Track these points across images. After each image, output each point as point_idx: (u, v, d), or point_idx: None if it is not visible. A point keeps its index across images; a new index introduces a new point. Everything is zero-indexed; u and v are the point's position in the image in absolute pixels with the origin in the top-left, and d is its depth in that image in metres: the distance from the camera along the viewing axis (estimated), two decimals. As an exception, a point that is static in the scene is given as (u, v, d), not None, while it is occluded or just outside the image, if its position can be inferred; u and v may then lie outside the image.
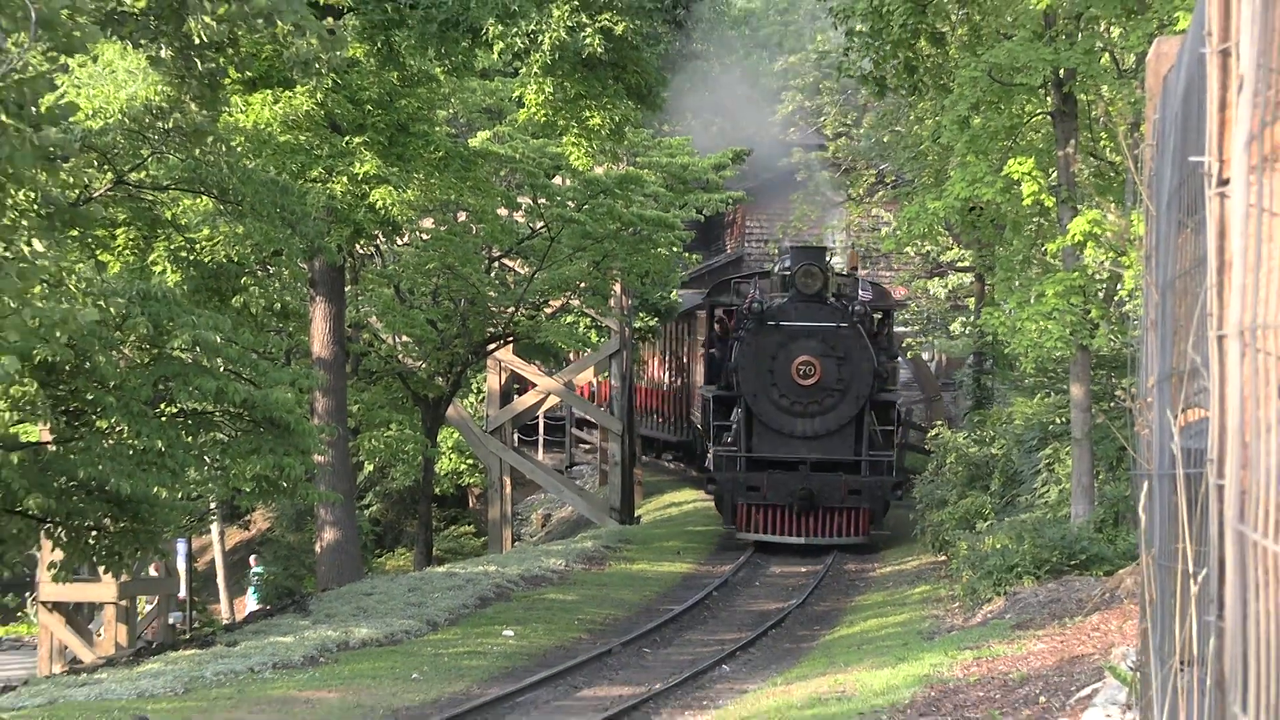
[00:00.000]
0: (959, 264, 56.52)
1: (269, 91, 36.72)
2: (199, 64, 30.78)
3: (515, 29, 40.49)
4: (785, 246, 49.13)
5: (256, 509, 49.78)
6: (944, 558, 35.17)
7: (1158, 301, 5.48)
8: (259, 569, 49.30)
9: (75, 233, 30.65)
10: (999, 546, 30.54)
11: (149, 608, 47.99)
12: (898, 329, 51.73)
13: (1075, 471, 31.29)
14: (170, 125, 30.86)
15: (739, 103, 78.73)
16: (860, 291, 42.46)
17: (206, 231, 33.88)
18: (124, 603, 45.43)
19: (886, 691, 21.19)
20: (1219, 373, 2.95)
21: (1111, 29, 28.68)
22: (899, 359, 51.80)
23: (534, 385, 58.55)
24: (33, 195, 28.15)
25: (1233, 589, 2.76)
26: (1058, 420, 35.44)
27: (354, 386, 45.35)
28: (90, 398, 30.48)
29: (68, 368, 29.23)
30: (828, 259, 44.51)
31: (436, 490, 55.09)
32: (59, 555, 34.37)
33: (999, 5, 31.43)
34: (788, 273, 42.13)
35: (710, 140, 75.56)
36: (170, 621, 44.59)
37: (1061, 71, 29.37)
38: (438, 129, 40.25)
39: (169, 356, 31.10)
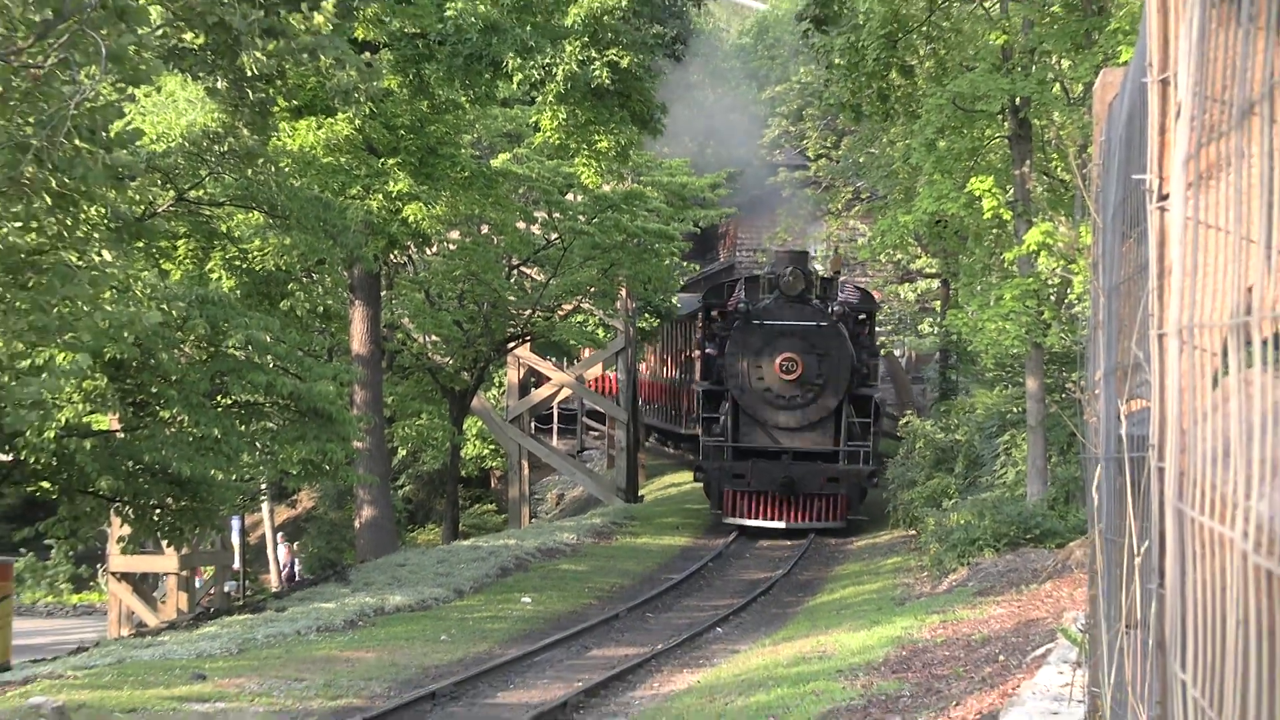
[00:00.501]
0: (926, 271, 56.57)
1: (313, 118, 36.73)
2: (251, 94, 30.78)
3: (532, 62, 40.53)
4: (772, 251, 48.23)
5: (302, 489, 49.80)
6: (914, 532, 35.13)
7: (1104, 304, 5.47)
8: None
9: (141, 244, 30.71)
10: (962, 522, 30.58)
11: (207, 577, 48.02)
12: (872, 329, 51.71)
13: (1030, 455, 31.32)
14: (225, 148, 30.94)
15: (731, 127, 78.79)
16: (840, 293, 42.01)
17: (257, 243, 33.93)
18: (184, 573, 45.56)
19: (862, 651, 21.18)
20: (1160, 367, 2.93)
21: (1062, 61, 28.68)
22: (880, 356, 51.56)
23: (549, 379, 58.61)
24: (103, 211, 28.22)
25: (1172, 560, 2.74)
26: (1014, 410, 35.43)
27: (389, 380, 45.36)
28: (154, 391, 30.64)
29: (134, 364, 29.35)
30: (810, 263, 43.84)
31: (462, 473, 55.09)
32: (127, 530, 34.65)
33: (962, 41, 31.44)
34: (773, 276, 41.56)
35: (705, 161, 75.58)
36: (225, 589, 44.61)
37: (1018, 99, 29.39)
38: (463, 151, 40.25)
39: (224, 354, 31.21)
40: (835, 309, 40.55)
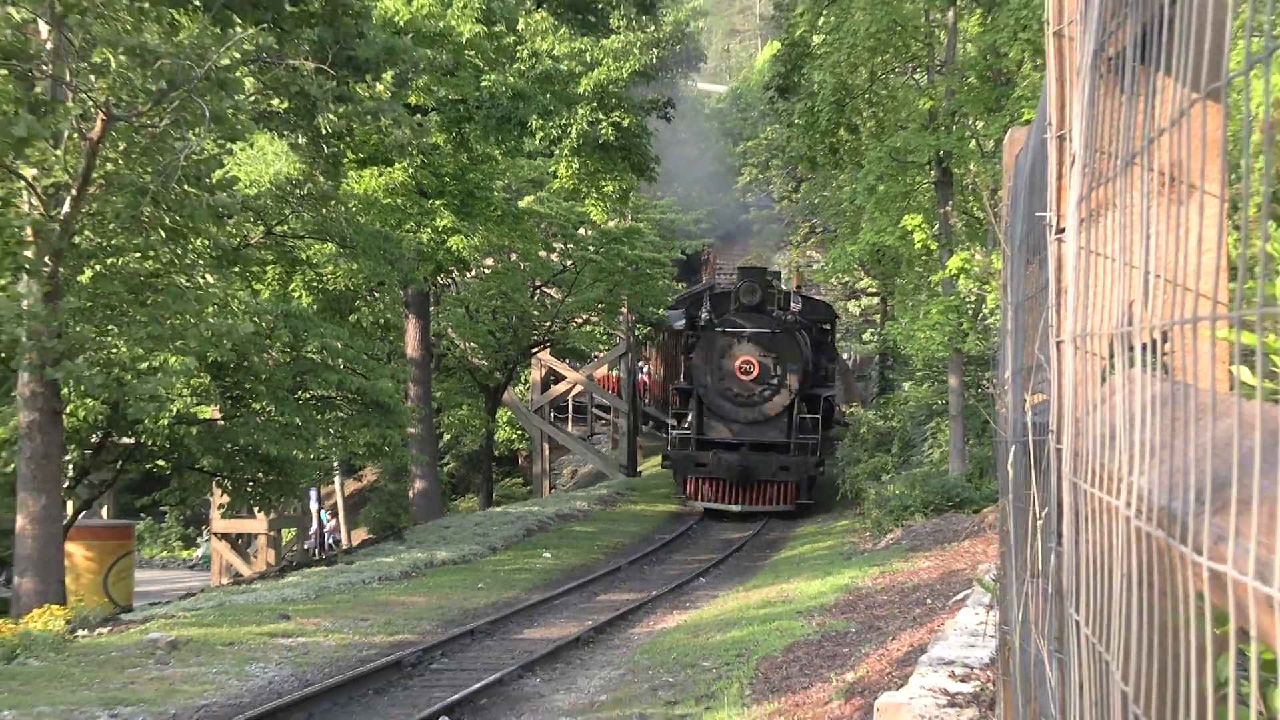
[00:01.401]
0: (868, 290, 56.81)
1: (375, 168, 36.74)
2: (325, 148, 30.78)
3: (551, 123, 40.63)
4: (737, 269, 47.57)
5: (366, 466, 49.67)
6: (859, 501, 35.06)
7: (1012, 316, 5.46)
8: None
9: (237, 269, 30.72)
10: (897, 492, 30.59)
11: (290, 537, 48.02)
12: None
13: (952, 439, 31.30)
14: (304, 192, 30.98)
15: (711, 174, 79.00)
16: (792, 304, 40.71)
17: (331, 268, 33.95)
18: (272, 533, 45.61)
19: (817, 596, 21.21)
20: (1057, 368, 2.92)
21: (977, 122, 28.66)
22: (838, 359, 51.03)
23: (565, 377, 58.64)
24: (207, 242, 28.24)
25: (1068, 524, 2.73)
26: (939, 402, 35.41)
27: (436, 379, 45.31)
28: (248, 387, 30.78)
29: (232, 365, 29.44)
30: (769, 278, 42.14)
31: (495, 452, 55.08)
32: (225, 499, 34.79)
33: (896, 105, 31.40)
34: (735, 289, 40.28)
35: (690, 201, 75.84)
36: (305, 547, 44.58)
37: (942, 153, 29.38)
38: (496, 194, 40.21)
39: (304, 357, 31.30)
40: (789, 318, 39.33)
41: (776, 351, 37.51)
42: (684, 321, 46.94)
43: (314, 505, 45.89)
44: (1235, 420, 1.54)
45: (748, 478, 36.43)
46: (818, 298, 49.61)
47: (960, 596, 14.88)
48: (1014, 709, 5.40)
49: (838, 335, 52.15)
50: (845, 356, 61.05)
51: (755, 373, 37.24)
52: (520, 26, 40.83)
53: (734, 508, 36.28)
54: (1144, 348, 2.13)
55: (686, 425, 38.42)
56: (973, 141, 28.82)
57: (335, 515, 51.05)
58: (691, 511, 38.50)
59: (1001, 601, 6.75)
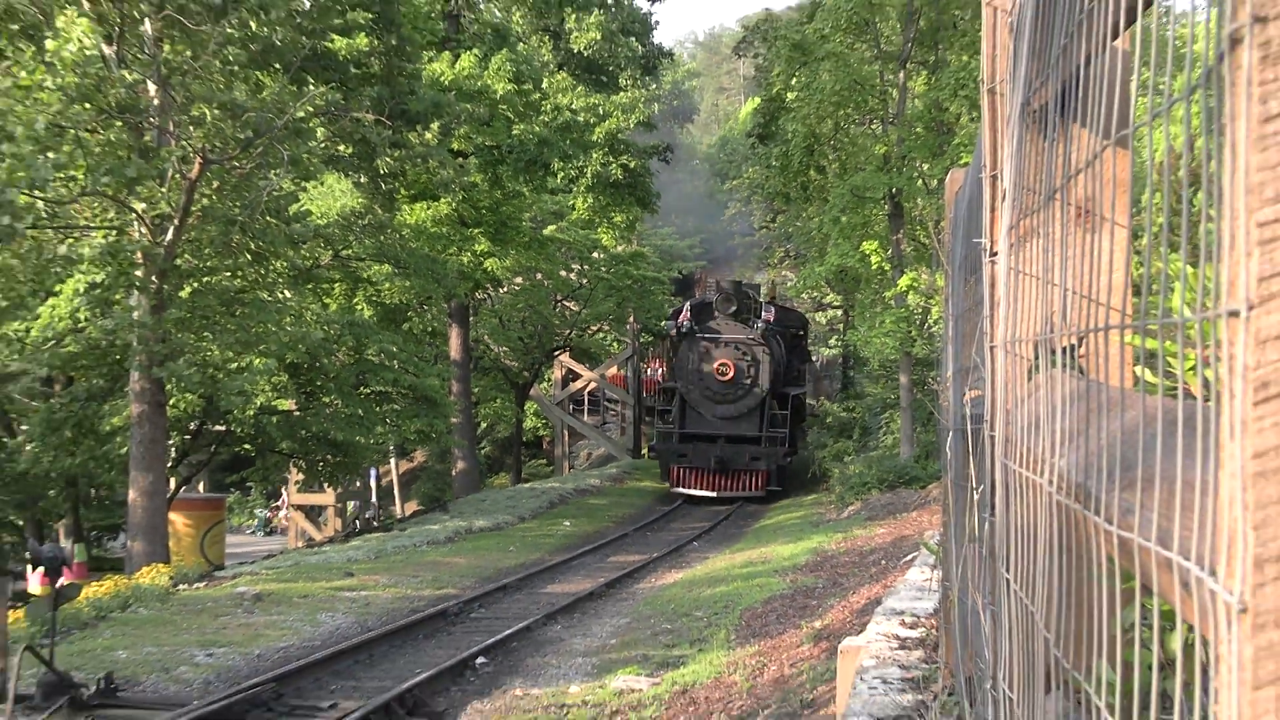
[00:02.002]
0: (833, 304, 56.73)
1: (424, 202, 36.73)
2: (382, 185, 30.80)
3: (570, 165, 40.68)
4: (716, 283, 46.74)
5: (417, 450, 49.59)
6: (826, 479, 34.98)
7: (952, 325, 5.45)
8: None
9: (310, 286, 30.70)
10: (857, 471, 30.57)
11: (354, 507, 47.97)
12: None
13: (903, 427, 31.26)
14: (365, 222, 30.94)
15: (703, 208, 79.09)
16: (764, 313, 38.87)
17: (387, 285, 33.93)
18: (338, 505, 45.56)
19: (791, 557, 21.17)
20: (991, 368, 2.91)
21: (923, 164, 28.64)
22: (810, 362, 50.32)
23: (581, 376, 58.61)
24: (285, 264, 28.23)
25: (1000, 497, 2.72)
26: (892, 396, 35.32)
27: (474, 377, 45.31)
28: (319, 384, 30.79)
29: (305, 366, 29.44)
30: (745, 290, 41.06)
31: (523, 438, 55.00)
32: (301, 476, 34.65)
33: (856, 150, 31.39)
34: (714, 299, 39.15)
35: (685, 229, 75.94)
36: (366, 516, 44.52)
37: (894, 190, 29.40)
38: (524, 223, 40.14)
39: (365, 359, 31.30)
40: (762, 325, 37.73)
41: (750, 355, 36.34)
42: (673, 329, 46.42)
43: (372, 482, 45.79)
44: (1139, 412, 1.53)
45: (724, 467, 35.29)
46: (792, 307, 48.58)
47: (909, 558, 14.85)
48: (954, 651, 5.39)
49: (809, 340, 51.28)
50: (814, 359, 60.95)
51: (731, 374, 36.03)
52: (545, 85, 40.84)
53: (710, 494, 35.06)
54: (1062, 351, 2.12)
55: (671, 420, 37.16)
56: (920, 180, 28.82)
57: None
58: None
59: (944, 562, 6.73)
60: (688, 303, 41.82)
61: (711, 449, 35.24)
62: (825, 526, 25.78)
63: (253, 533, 53.44)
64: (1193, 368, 2.17)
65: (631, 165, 43.32)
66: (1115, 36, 1.74)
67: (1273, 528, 0.93)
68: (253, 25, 25.18)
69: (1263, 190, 0.94)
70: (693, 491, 35.33)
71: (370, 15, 27.94)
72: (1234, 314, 0.96)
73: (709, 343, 36.52)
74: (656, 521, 32.29)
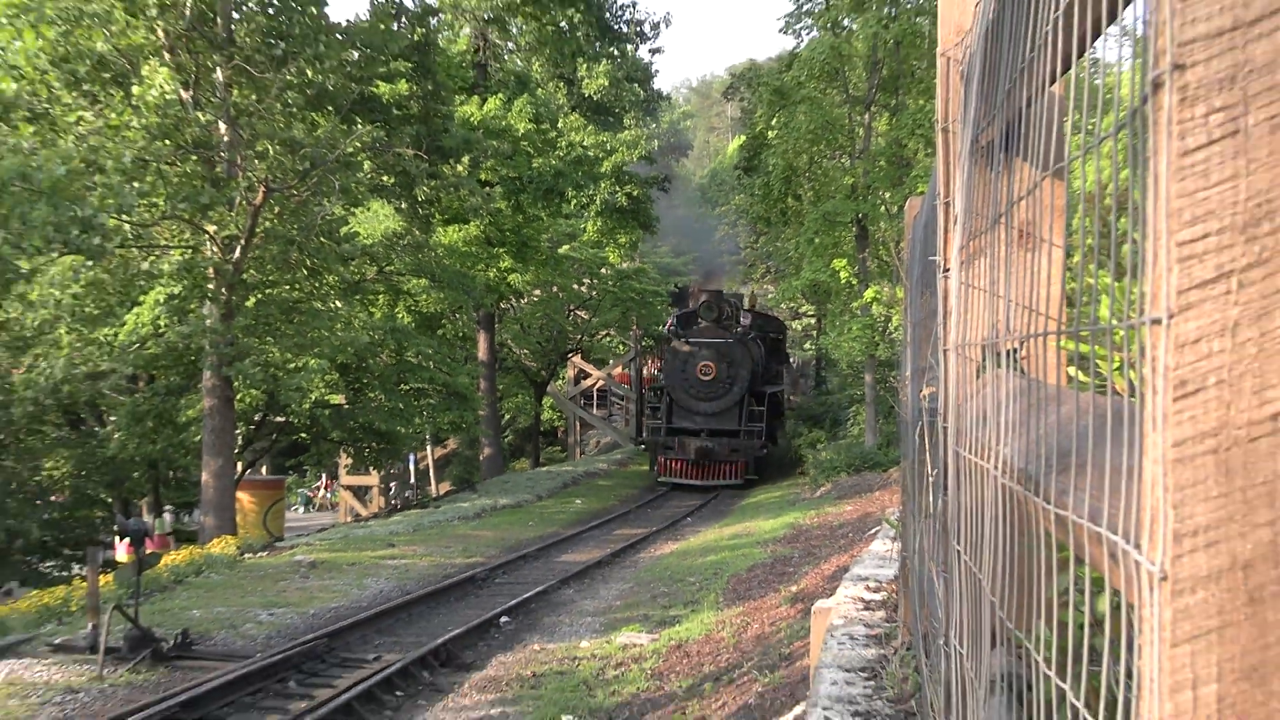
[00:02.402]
0: (808, 313, 56.77)
1: (456, 225, 36.72)
2: (420, 211, 30.84)
3: (582, 193, 40.67)
4: (700, 292, 45.53)
5: (449, 438, 49.59)
6: (801, 463, 34.91)
7: (911, 332, 5.45)
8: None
9: (357, 297, 30.67)
10: (828, 457, 30.54)
11: (395, 487, 47.95)
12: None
13: (868, 418, 31.25)
14: (405, 242, 30.94)
15: (696, 230, 79.10)
16: (742, 320, 38.18)
17: (424, 296, 33.96)
18: (382, 485, 45.51)
19: (771, 531, 21.15)
20: (944, 368, 2.91)
21: (886, 193, 28.64)
22: (788, 363, 49.84)
23: (591, 374, 58.64)
24: (336, 278, 28.21)
25: (952, 479, 2.72)
26: (858, 392, 35.36)
27: (499, 375, 45.29)
28: (365, 381, 30.82)
29: (353, 366, 29.41)
30: (726, 299, 39.72)
31: (541, 428, 55.00)
32: (349, 461, 34.67)
33: (828, 181, 31.36)
34: (698, 308, 38.34)
35: (681, 248, 75.95)
36: (405, 495, 44.50)
37: (860, 215, 29.41)
38: (542, 244, 40.14)
39: (405, 360, 31.33)
40: (738, 330, 36.84)
41: (729, 358, 35.12)
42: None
43: (411, 466, 45.74)
44: (1073, 407, 1.53)
45: (705, 458, 34.07)
46: (771, 315, 48.09)
47: (873, 532, 14.85)
48: (911, 611, 5.39)
49: (788, 344, 50.93)
50: (793, 360, 60.87)
51: (713, 374, 34.84)
52: (560, 124, 40.84)
53: (694, 482, 33.80)
54: (1006, 354, 2.12)
55: (660, 416, 35.89)
56: (882, 207, 28.84)
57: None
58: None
59: (903, 535, 6.73)
60: (676, 312, 41.44)
61: (695, 442, 34.12)
62: (801, 505, 25.76)
63: (293, 509, 53.41)
64: (1119, 369, 2.17)
65: (634, 193, 43.33)
66: (1053, 82, 1.74)
67: (1190, 506, 0.93)
68: (309, 73, 25.24)
69: (1181, 214, 0.94)
70: (677, 480, 34.18)
71: (410, 64, 27.99)
72: (1156, 322, 0.96)
73: (693, 346, 35.38)
74: (655, 500, 32.26)
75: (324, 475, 50.06)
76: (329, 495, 52.08)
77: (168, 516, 30.00)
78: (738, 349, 35.33)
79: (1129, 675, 1.05)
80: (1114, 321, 1.24)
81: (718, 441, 34.24)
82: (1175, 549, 0.93)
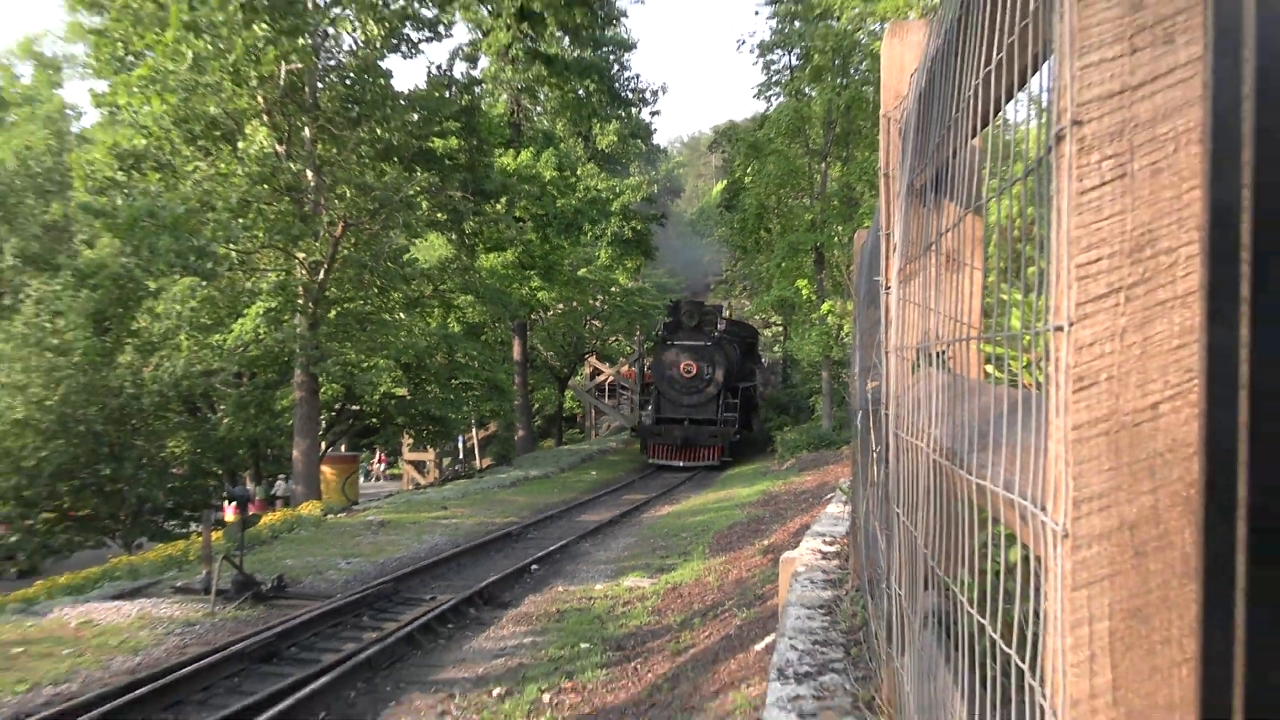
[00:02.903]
0: (776, 323, 56.70)
1: (495, 252, 36.66)
2: (467, 241, 30.80)
3: (597, 227, 40.64)
4: (685, 302, 42.14)
5: (491, 422, 49.55)
6: (772, 443, 34.78)
7: (858, 338, 5.44)
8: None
9: (417, 310, 30.63)
10: (793, 437, 30.47)
11: (448, 461, 47.90)
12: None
13: (824, 407, 31.22)
14: (455, 266, 30.90)
15: (687, 256, 79.00)
16: (719, 324, 36.42)
17: (470, 309, 33.88)
18: (437, 460, 45.45)
19: (747, 496, 21.11)
20: (886, 366, 2.90)
21: (839, 226, 28.60)
22: (761, 363, 49.24)
23: (604, 371, 58.61)
24: (401, 295, 28.19)
25: (892, 455, 2.71)
26: (817, 385, 35.22)
27: (530, 372, 45.26)
28: (423, 377, 30.72)
29: (414, 365, 29.35)
30: (706, 308, 37.42)
31: (564, 414, 54.99)
32: (410, 440, 34.60)
33: (793, 217, 31.28)
34: (682, 316, 36.49)
35: (675, 271, 75.83)
36: (455, 468, 44.51)
37: (818, 244, 29.39)
38: (565, 267, 40.06)
39: (456, 360, 31.24)
40: (715, 334, 34.72)
41: (708, 358, 33.44)
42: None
43: (460, 445, 45.65)
44: (990, 398, 1.52)
45: (688, 443, 32.47)
46: (746, 323, 47.62)
47: (829, 497, 14.84)
48: (860, 560, 5.38)
49: (760, 347, 50.56)
50: (765, 361, 60.71)
51: (694, 372, 33.20)
52: (578, 171, 40.85)
53: (678, 463, 32.14)
54: (936, 355, 2.11)
55: (650, 408, 34.41)
56: (835, 238, 28.80)
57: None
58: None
59: (853, 499, 6.72)
60: (665, 320, 40.77)
61: (679, 429, 32.68)
62: (771, 476, 25.72)
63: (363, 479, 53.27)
64: (1027, 367, 2.16)
65: (638, 227, 43.41)
66: (973, 137, 1.73)
67: (1086, 478, 0.93)
68: (379, 131, 25.28)
69: (1080, 242, 0.93)
70: (664, 461, 32.71)
71: (459, 124, 28.01)
72: (1059, 329, 0.96)
73: (677, 349, 33.89)
74: (654, 473, 32.23)
75: (378, 451, 49.92)
76: (383, 468, 51.97)
77: (281, 484, 30.02)
78: (715, 351, 33.95)
79: (1036, 614, 1.04)
80: (1023, 329, 1.23)
81: (698, 429, 32.94)
82: (1074, 512, 0.93)
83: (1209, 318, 0.89)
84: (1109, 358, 0.93)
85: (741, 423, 35.44)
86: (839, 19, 30.16)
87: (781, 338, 55.83)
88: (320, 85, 24.79)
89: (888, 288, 2.87)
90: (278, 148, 24.27)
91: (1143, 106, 0.92)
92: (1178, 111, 0.92)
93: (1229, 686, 0.86)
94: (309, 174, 24.62)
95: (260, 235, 24.06)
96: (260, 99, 23.93)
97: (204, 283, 24.79)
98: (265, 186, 23.84)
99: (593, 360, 57.07)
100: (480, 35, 37.96)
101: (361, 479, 52.60)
